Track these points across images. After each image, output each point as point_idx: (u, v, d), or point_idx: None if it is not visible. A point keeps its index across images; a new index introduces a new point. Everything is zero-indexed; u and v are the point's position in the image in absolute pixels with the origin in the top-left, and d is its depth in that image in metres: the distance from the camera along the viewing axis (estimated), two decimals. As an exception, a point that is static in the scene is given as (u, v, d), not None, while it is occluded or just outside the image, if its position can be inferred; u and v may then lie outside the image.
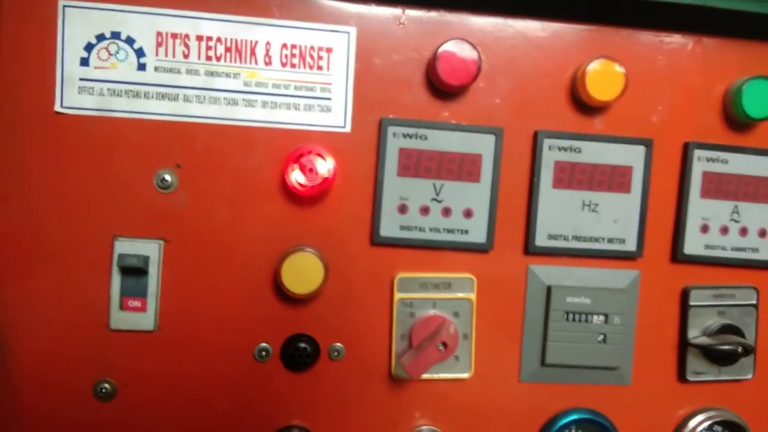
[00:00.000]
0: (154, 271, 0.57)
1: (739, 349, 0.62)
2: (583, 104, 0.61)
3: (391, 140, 0.59)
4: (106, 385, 0.57)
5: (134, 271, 0.56)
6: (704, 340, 0.63)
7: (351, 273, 0.60)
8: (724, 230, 0.64)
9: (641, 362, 0.64)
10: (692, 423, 0.65)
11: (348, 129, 0.58)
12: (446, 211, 0.60)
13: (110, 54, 0.56)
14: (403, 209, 0.60)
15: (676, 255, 0.63)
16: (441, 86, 0.58)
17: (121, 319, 0.57)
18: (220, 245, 0.58)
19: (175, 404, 0.59)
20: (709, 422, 0.65)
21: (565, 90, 0.61)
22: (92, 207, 0.56)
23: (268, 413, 0.60)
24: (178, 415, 0.59)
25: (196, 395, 0.59)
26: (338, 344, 0.60)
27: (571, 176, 0.61)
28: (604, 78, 0.59)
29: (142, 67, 0.56)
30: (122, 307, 0.57)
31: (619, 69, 0.58)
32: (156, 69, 0.56)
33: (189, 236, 0.57)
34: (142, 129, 0.56)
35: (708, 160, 0.63)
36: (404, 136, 0.59)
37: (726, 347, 0.62)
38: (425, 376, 0.61)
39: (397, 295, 0.60)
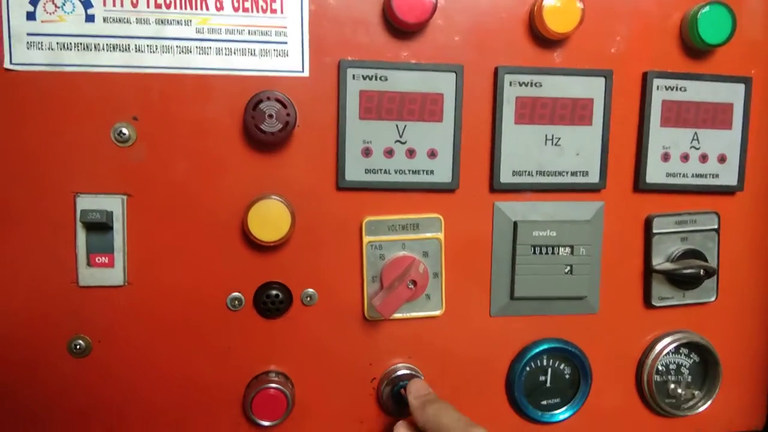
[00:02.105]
0: (118, 226, 0.57)
1: (702, 273, 0.64)
2: (541, 38, 0.61)
3: (350, 83, 0.58)
4: (81, 342, 0.58)
5: (98, 227, 0.56)
6: (668, 266, 0.65)
7: (318, 219, 0.60)
8: (685, 158, 0.65)
9: (608, 291, 0.66)
10: (659, 346, 0.67)
11: (306, 73, 0.58)
12: (410, 153, 0.60)
13: (57, 7, 0.55)
14: (367, 152, 0.60)
15: (639, 184, 0.64)
16: (398, 25, 0.57)
17: (89, 276, 0.57)
18: (183, 197, 0.57)
19: (152, 358, 0.59)
20: (675, 344, 0.67)
21: (524, 24, 0.61)
22: (51, 164, 0.55)
23: (245, 361, 0.61)
24: (156, 369, 0.60)
25: (172, 348, 0.60)
26: (310, 290, 0.61)
27: (533, 111, 0.61)
28: (561, 10, 0.58)
29: (90, 18, 0.55)
30: (90, 263, 0.57)
31: (576, 0, 0.58)
32: (105, 20, 0.55)
33: (151, 190, 0.57)
34: (95, 82, 0.55)
35: (667, 88, 0.63)
36: (364, 78, 0.59)
37: (689, 271, 0.64)
38: (398, 315, 0.62)
39: (366, 239, 0.61)
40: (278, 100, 0.56)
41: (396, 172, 0.60)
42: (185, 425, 0.61)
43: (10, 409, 0.58)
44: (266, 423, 0.60)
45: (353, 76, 0.58)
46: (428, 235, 0.62)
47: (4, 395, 0.58)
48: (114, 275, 0.57)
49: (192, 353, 0.60)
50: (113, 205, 0.56)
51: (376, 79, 0.59)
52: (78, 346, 0.58)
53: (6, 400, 0.58)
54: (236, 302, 0.60)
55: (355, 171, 0.60)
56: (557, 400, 0.67)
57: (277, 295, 0.60)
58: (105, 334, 0.58)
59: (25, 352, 0.57)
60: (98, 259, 0.57)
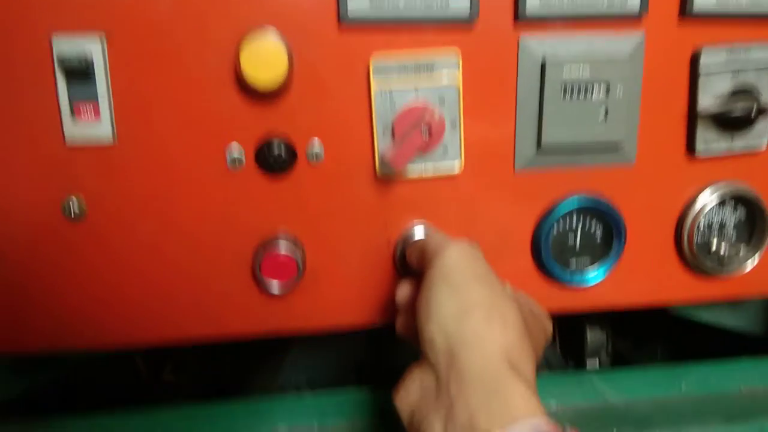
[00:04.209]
0: (100, 71, 0.51)
1: (754, 112, 0.57)
2: None
3: None
4: (75, 205, 0.54)
5: (80, 73, 0.50)
6: (716, 106, 0.58)
7: (320, 61, 0.54)
8: (741, -22, 0.56)
9: (646, 137, 0.59)
10: (701, 200, 0.61)
11: None
12: (421, -18, 0.53)
13: None
14: (372, -18, 0.52)
15: (685, 10, 0.56)
16: None
17: (76, 131, 0.52)
18: (167, 37, 0.51)
19: (151, 222, 0.55)
20: (719, 198, 0.61)
21: None
22: (25, 3, 0.49)
23: (250, 225, 0.57)
24: (156, 233, 0.56)
25: (172, 211, 0.55)
26: (316, 146, 0.56)
27: (563, -74, 0.53)
28: None
29: None
30: (74, 113, 0.52)
31: None
32: None
33: (132, 28, 0.51)
34: None
35: None
36: None
37: (739, 110, 0.57)
38: (413, 172, 0.57)
39: (375, 83, 0.54)
40: None
41: (406, 5, 0.53)
42: (192, 293, 0.58)
43: (8, 277, 0.55)
44: (276, 288, 0.56)
45: None
46: (444, 77, 0.55)
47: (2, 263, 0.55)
48: (101, 130, 0.53)
49: (192, 218, 0.56)
50: (92, 46, 0.50)
51: None
52: (73, 210, 0.54)
53: (4, 268, 0.55)
54: (236, 161, 0.55)
55: (359, 4, 0.52)
56: (588, 262, 0.62)
57: (279, 153, 0.55)
58: (99, 198, 0.54)
59: (20, 215, 0.54)
60: (83, 108, 0.52)
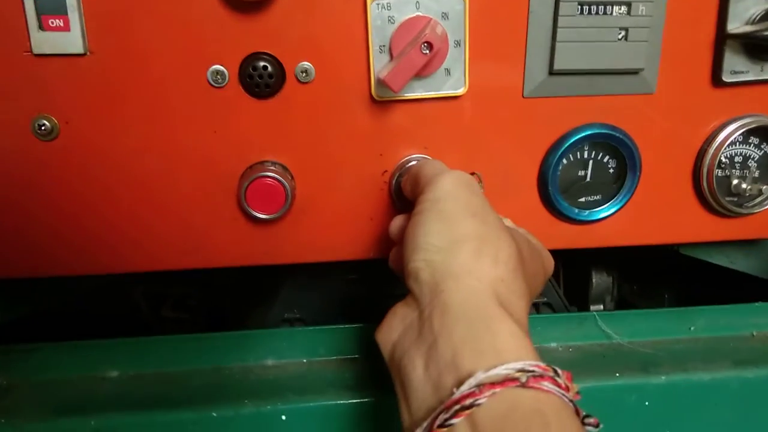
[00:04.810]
0: (68, -24, 0.46)
1: (790, 35, 0.51)
2: None
3: None
4: (45, 122, 0.50)
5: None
6: (747, 29, 0.52)
7: (311, -33, 0.48)
8: None
9: (669, 63, 0.54)
10: (724, 133, 0.57)
11: None
12: None
13: None
14: None
15: None
16: None
17: (43, 41, 0.48)
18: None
19: (127, 140, 0.52)
20: (743, 131, 0.56)
21: None
22: None
23: (235, 149, 0.53)
24: (134, 153, 0.52)
25: (148, 132, 0.52)
26: (306, 63, 0.51)
27: None
28: None
29: None
30: (42, 26, 0.48)
31: None
32: None
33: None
34: None
35: None
36: None
37: (774, 33, 0.51)
38: (412, 95, 0.53)
39: (371, -5, 0.49)
40: None
41: None
42: (174, 219, 0.54)
43: (-19, 200, 0.52)
44: (263, 215, 0.53)
45: None
46: (448, -11, 0.50)
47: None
48: (71, 40, 0.48)
49: (172, 139, 0.52)
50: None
51: None
52: (43, 127, 0.50)
53: (-26, 191, 0.52)
54: (218, 76, 0.51)
55: None
56: (598, 197, 0.58)
57: (265, 67, 0.50)
58: (71, 115, 0.51)
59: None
60: (51, 22, 0.48)
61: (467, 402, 0.31)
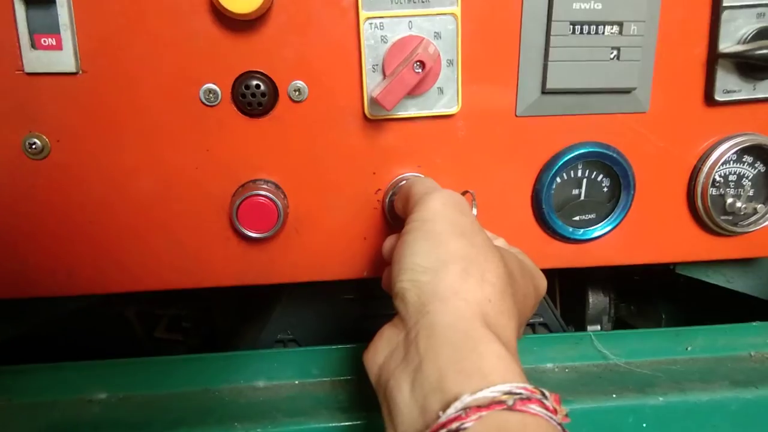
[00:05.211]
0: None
1: (781, 55, 0.51)
2: None
3: None
4: (36, 141, 0.50)
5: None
6: (739, 48, 0.53)
7: (303, -14, 0.49)
8: None
9: (661, 82, 0.54)
10: (717, 152, 0.57)
11: None
12: None
13: None
14: None
15: (711, -63, 0.50)
16: None
17: (36, 60, 0.48)
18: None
19: (119, 159, 0.51)
20: (737, 149, 0.56)
21: None
22: None
23: (229, 166, 0.53)
24: (123, 174, 0.52)
25: (140, 150, 0.51)
26: (299, 82, 0.51)
27: None
28: None
29: None
30: (34, 45, 0.48)
31: None
32: None
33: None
34: None
35: None
36: None
37: (765, 52, 0.51)
38: (405, 113, 0.53)
39: (364, 14, 0.50)
40: None
41: (399, -75, 0.48)
42: (167, 238, 0.54)
43: (-30, 218, 0.52)
44: (255, 234, 0.52)
45: None
46: (441, 9, 0.50)
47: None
48: (64, 59, 0.48)
49: (165, 155, 0.52)
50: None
51: None
52: (34, 145, 0.50)
53: (-37, 209, 0.52)
54: (211, 95, 0.50)
55: (347, -77, 0.47)
56: (592, 216, 0.58)
57: (258, 86, 0.50)
58: (63, 133, 0.50)
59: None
60: (44, 41, 0.48)
61: (453, 426, 0.30)
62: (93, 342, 0.84)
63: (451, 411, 0.31)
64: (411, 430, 0.33)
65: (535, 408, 0.31)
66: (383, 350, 0.38)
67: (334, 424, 0.50)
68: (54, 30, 0.48)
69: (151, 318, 0.95)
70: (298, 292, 0.77)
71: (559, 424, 0.32)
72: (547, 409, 0.31)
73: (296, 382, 0.56)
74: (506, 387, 0.31)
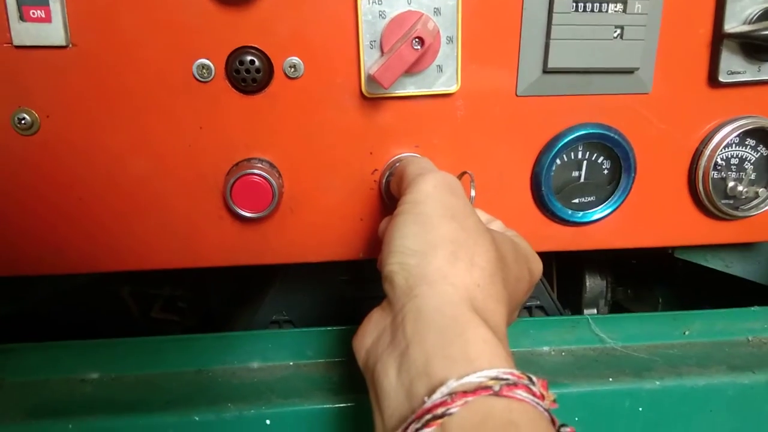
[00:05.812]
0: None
1: (788, 35, 0.50)
2: None
3: None
4: (26, 116, 0.49)
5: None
6: (744, 28, 0.51)
7: (300, -40, 0.47)
8: None
9: (665, 63, 0.53)
10: (720, 135, 0.56)
11: None
12: None
13: None
14: None
15: None
16: None
17: (24, 32, 0.47)
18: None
19: (110, 135, 0.50)
20: (740, 132, 0.55)
21: None
22: None
23: (222, 144, 0.52)
24: (114, 150, 0.51)
25: (132, 127, 0.50)
26: (294, 58, 0.50)
27: None
28: None
29: None
30: (23, 17, 0.46)
31: None
32: None
33: None
34: None
35: None
36: None
37: (771, 32, 0.50)
38: (403, 92, 0.52)
39: (362, -12, 0.48)
40: None
41: None
42: (160, 217, 0.53)
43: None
44: (249, 214, 0.51)
45: None
46: (441, -16, 0.49)
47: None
48: (53, 32, 0.47)
49: (157, 132, 0.51)
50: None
51: None
52: (23, 121, 0.49)
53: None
54: (204, 71, 0.49)
55: None
56: (592, 198, 0.57)
57: (252, 62, 0.49)
58: (53, 109, 0.49)
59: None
60: (33, 13, 0.46)
61: (439, 411, 0.29)
62: (90, 321, 0.84)
63: (436, 396, 0.30)
64: (397, 414, 0.33)
65: (521, 394, 0.30)
66: (371, 334, 0.38)
67: (328, 405, 0.50)
68: (43, 1, 0.46)
69: (148, 298, 0.95)
70: (294, 273, 0.77)
71: (546, 410, 0.31)
72: (534, 394, 0.31)
73: (290, 363, 0.56)
74: (492, 372, 0.31)
